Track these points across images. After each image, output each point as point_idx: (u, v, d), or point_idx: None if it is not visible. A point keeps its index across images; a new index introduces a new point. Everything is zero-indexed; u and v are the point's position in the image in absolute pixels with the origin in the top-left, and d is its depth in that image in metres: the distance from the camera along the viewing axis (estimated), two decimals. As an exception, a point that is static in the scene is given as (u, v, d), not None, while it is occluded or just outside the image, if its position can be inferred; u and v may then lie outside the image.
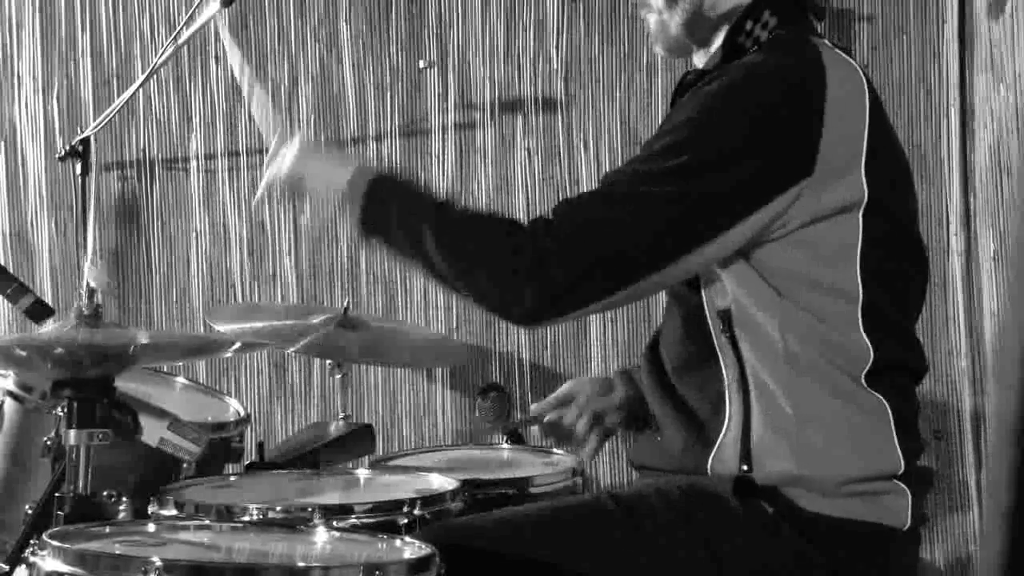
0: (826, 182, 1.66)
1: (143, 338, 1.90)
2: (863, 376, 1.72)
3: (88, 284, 1.91)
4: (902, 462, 1.73)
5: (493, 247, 1.68)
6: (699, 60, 1.88)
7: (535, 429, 2.42)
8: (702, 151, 1.65)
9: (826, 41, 1.81)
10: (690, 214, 1.65)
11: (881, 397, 1.72)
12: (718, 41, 1.83)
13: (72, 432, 1.76)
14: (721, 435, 1.74)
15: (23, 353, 1.89)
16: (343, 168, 1.81)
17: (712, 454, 1.74)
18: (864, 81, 1.75)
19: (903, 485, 1.73)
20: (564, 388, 2.24)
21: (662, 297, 1.96)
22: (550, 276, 1.64)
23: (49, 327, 2.36)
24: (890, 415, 1.73)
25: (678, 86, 1.87)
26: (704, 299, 1.76)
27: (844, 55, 1.77)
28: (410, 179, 1.84)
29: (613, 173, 1.73)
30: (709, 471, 1.74)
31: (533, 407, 2.28)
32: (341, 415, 2.74)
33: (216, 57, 3.31)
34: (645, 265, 1.66)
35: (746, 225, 1.65)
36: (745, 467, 1.72)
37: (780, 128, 1.67)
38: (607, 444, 3.28)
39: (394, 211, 1.75)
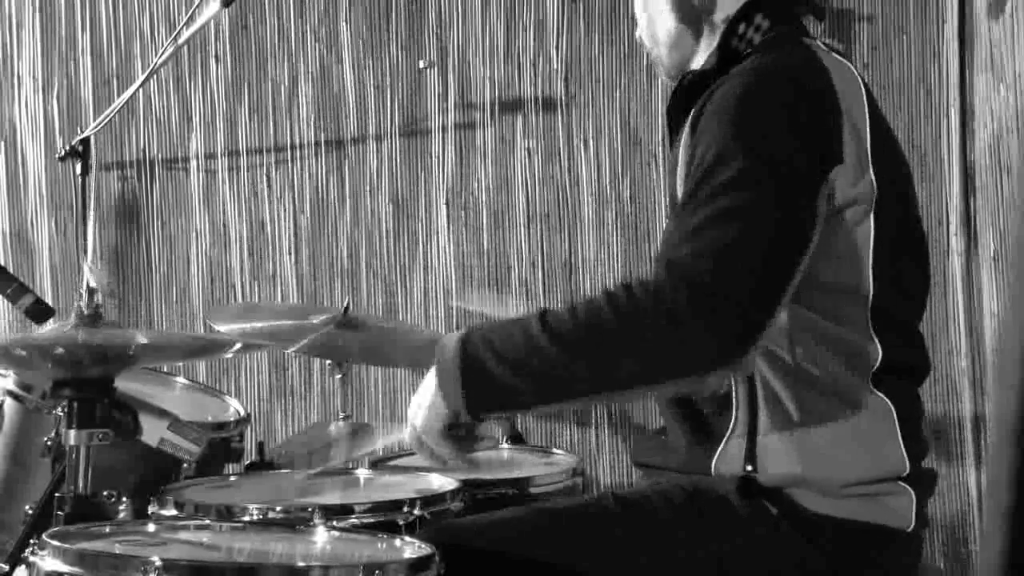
0: (848, 174, 1.66)
1: (143, 338, 1.90)
2: (870, 377, 1.71)
3: (88, 284, 1.91)
4: (907, 464, 1.72)
5: (636, 328, 1.55)
6: (695, 61, 1.88)
7: (534, 429, 2.42)
8: (754, 146, 1.61)
9: (818, 41, 1.82)
10: (786, 198, 1.60)
11: (887, 399, 1.72)
12: (714, 42, 1.83)
13: (72, 432, 1.76)
14: (727, 436, 1.73)
15: (23, 353, 1.89)
16: (429, 380, 1.67)
17: (717, 454, 1.73)
18: (859, 78, 1.76)
19: (907, 487, 1.73)
20: None
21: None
22: (717, 311, 1.53)
23: (49, 327, 2.36)
24: (895, 417, 1.72)
25: (677, 87, 1.86)
26: None
27: (836, 55, 1.78)
28: (487, 326, 1.66)
29: (689, 207, 1.61)
30: (713, 471, 1.74)
31: None
32: (341, 415, 2.74)
33: (216, 57, 3.31)
34: (792, 260, 1.59)
35: (821, 200, 1.63)
36: (750, 467, 1.71)
37: (806, 120, 1.66)
38: (607, 443, 3.30)
39: (501, 370, 1.58)
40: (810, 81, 1.70)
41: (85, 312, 1.81)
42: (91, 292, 1.83)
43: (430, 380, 1.66)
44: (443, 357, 1.63)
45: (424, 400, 1.67)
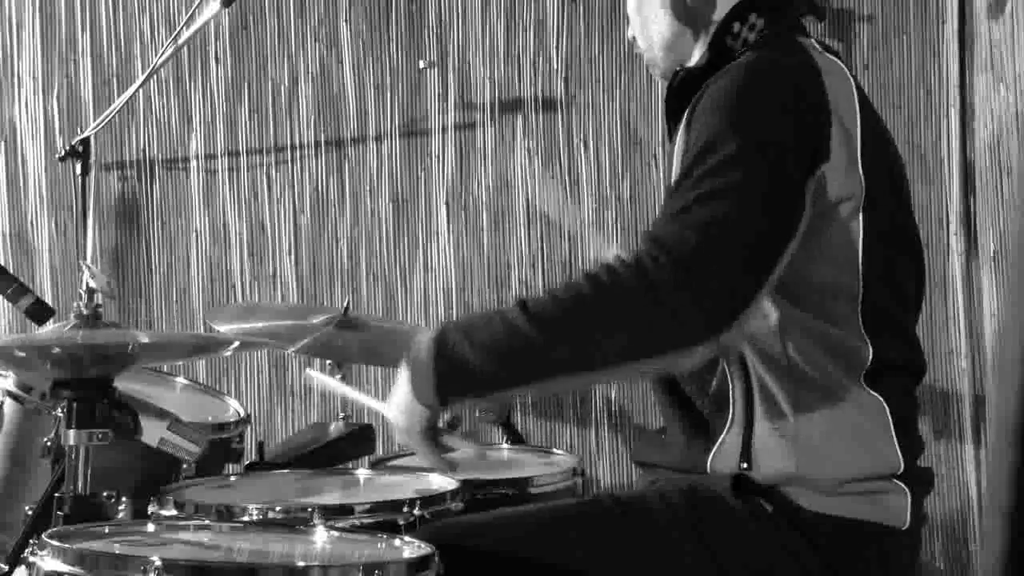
0: (836, 172, 1.67)
1: (143, 338, 1.90)
2: (863, 376, 1.72)
3: (87, 284, 1.91)
4: (901, 462, 1.73)
5: (617, 303, 1.55)
6: (691, 62, 1.88)
7: (534, 429, 2.42)
8: (746, 131, 1.62)
9: (812, 41, 1.82)
10: (776, 182, 1.61)
11: (880, 397, 1.73)
12: (707, 40, 1.84)
13: (72, 432, 1.76)
14: (723, 434, 1.74)
15: (23, 353, 1.89)
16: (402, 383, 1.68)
17: (713, 452, 1.74)
18: (851, 78, 1.77)
19: (902, 485, 1.74)
20: None
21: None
22: (701, 283, 1.53)
23: (49, 327, 2.36)
24: (889, 415, 1.73)
25: (670, 85, 1.87)
26: None
27: (829, 54, 1.79)
28: (465, 316, 1.68)
29: (679, 190, 1.62)
30: (709, 469, 1.74)
31: None
32: (341, 415, 2.74)
33: (216, 57, 3.31)
34: (780, 236, 1.60)
35: (808, 193, 1.64)
36: (745, 465, 1.72)
37: (797, 113, 1.67)
38: (607, 443, 3.30)
39: (474, 354, 1.58)
40: (801, 80, 1.70)
41: (85, 312, 1.81)
42: (91, 292, 1.83)
43: (403, 384, 1.68)
44: (417, 350, 1.63)
45: (400, 403, 1.70)
